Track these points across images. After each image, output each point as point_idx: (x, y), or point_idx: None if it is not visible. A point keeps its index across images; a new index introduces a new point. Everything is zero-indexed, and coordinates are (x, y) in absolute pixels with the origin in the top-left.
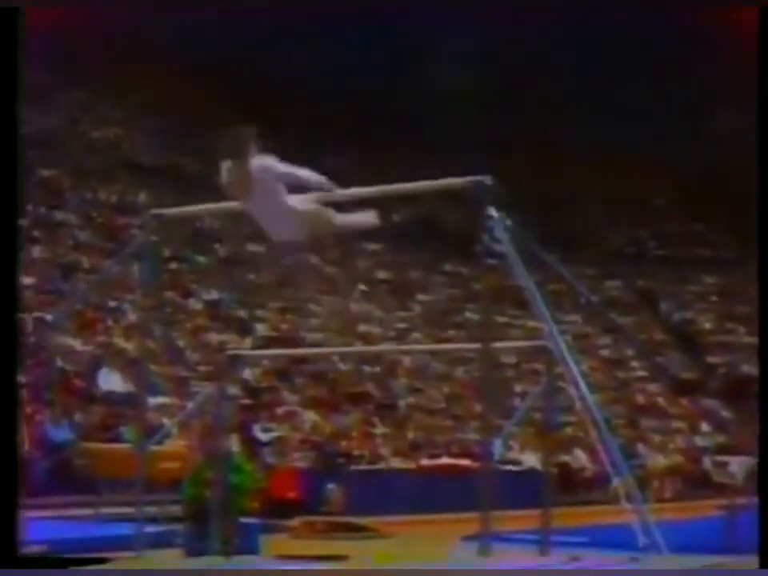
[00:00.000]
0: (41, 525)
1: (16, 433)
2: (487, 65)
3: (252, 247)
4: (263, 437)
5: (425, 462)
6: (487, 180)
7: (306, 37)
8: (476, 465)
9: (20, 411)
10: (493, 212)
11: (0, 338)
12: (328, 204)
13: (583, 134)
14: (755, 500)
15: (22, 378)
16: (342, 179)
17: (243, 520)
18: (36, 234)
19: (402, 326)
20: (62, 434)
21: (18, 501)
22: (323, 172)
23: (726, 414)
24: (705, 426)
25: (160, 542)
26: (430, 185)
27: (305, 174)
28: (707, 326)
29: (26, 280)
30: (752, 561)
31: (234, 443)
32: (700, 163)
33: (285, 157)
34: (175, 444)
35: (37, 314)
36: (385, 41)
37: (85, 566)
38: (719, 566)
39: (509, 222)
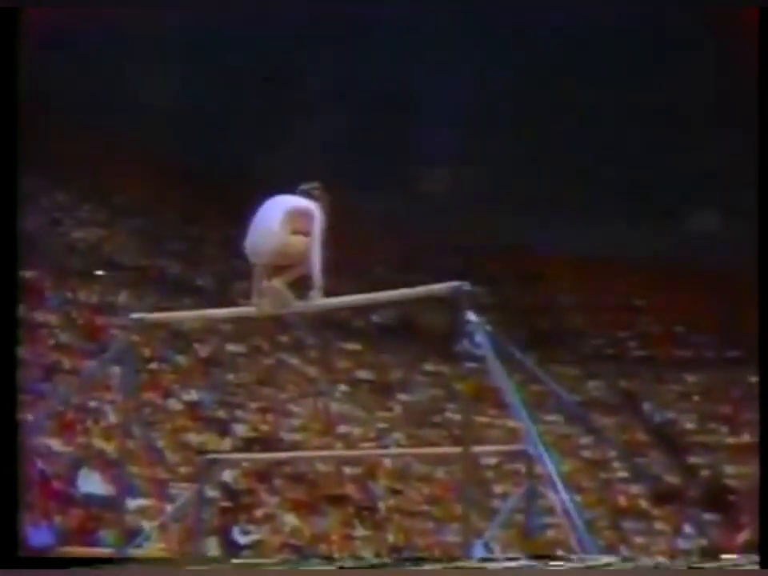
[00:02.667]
0: None
1: (16, 433)
2: (462, 168)
3: (232, 347)
4: (242, 540)
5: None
6: (466, 285)
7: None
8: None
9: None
10: (472, 317)
11: None
12: None
13: (562, 235)
14: None
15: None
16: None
17: None
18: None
19: (382, 426)
20: (41, 537)
21: (18, 501)
22: None
23: (708, 517)
24: (687, 528)
25: None
26: (410, 292)
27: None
28: (689, 426)
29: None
30: (752, 561)
31: (213, 546)
32: (680, 264)
33: None
34: (155, 548)
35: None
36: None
37: (85, 566)
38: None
39: (488, 327)
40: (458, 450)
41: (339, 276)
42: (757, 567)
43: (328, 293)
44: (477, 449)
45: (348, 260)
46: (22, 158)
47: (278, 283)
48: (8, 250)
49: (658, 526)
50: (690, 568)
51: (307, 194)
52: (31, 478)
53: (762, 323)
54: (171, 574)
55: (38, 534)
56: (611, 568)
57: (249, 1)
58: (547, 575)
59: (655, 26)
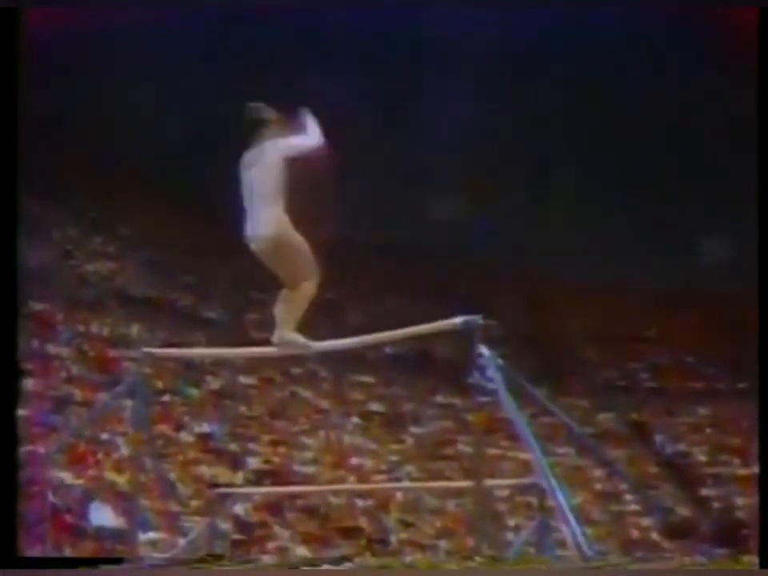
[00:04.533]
0: None
1: (16, 432)
2: (473, 194)
3: (244, 379)
4: None
5: None
6: (478, 319)
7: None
8: None
9: (19, 411)
10: (484, 350)
11: None
12: None
13: (573, 267)
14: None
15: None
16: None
17: None
18: (29, 366)
19: (394, 458)
20: None
21: (17, 502)
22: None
23: (720, 551)
24: (701, 559)
25: None
26: (421, 328)
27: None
28: (701, 458)
29: (20, 412)
30: (752, 561)
31: None
32: (691, 295)
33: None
34: None
35: (29, 447)
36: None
37: (85, 566)
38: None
39: (499, 360)
40: (469, 483)
41: (350, 306)
42: (757, 567)
43: (341, 325)
44: (489, 482)
45: (358, 289)
46: (31, 189)
47: (288, 334)
48: (10, 282)
49: (670, 560)
50: (691, 568)
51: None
52: (42, 511)
53: (762, 351)
54: (172, 574)
55: None
56: (611, 568)
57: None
58: (549, 575)
59: (654, 26)
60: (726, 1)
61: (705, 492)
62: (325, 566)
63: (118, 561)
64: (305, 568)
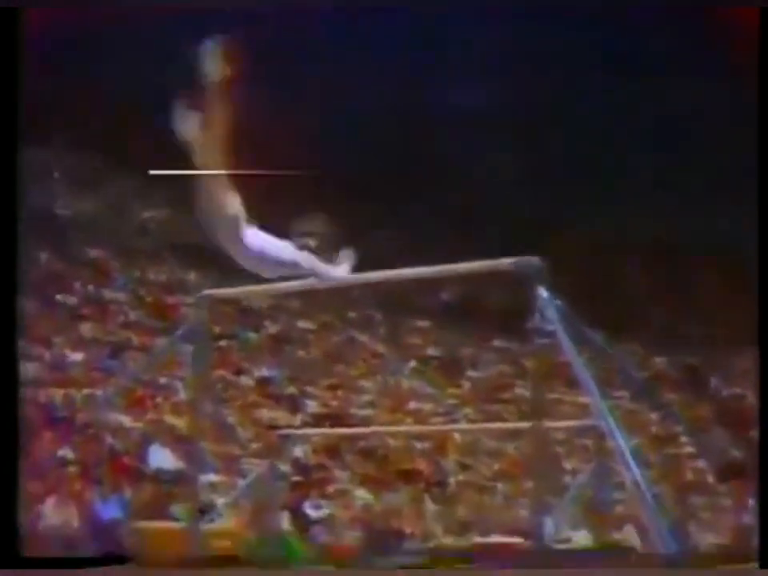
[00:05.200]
0: None
1: (16, 433)
2: (535, 142)
3: (302, 324)
4: (314, 514)
5: (477, 539)
6: (535, 260)
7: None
8: (527, 543)
9: (19, 410)
10: (542, 292)
11: None
12: None
13: (630, 217)
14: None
15: (70, 454)
16: (390, 257)
17: None
18: (85, 311)
19: (452, 402)
20: (111, 511)
21: (18, 501)
22: (371, 247)
23: None
24: (753, 504)
25: None
26: (477, 266)
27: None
28: (755, 401)
29: (75, 357)
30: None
31: (285, 521)
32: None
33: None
34: (227, 522)
35: (86, 391)
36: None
37: (86, 566)
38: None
39: (558, 302)
40: (528, 424)
41: (405, 249)
42: (757, 567)
43: (391, 266)
44: (547, 424)
45: (412, 230)
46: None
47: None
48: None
49: (724, 501)
50: (690, 568)
51: None
52: (100, 454)
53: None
54: (172, 574)
55: (107, 509)
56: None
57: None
58: (551, 575)
59: (654, 26)
60: (725, 1)
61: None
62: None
63: (120, 561)
64: (305, 568)
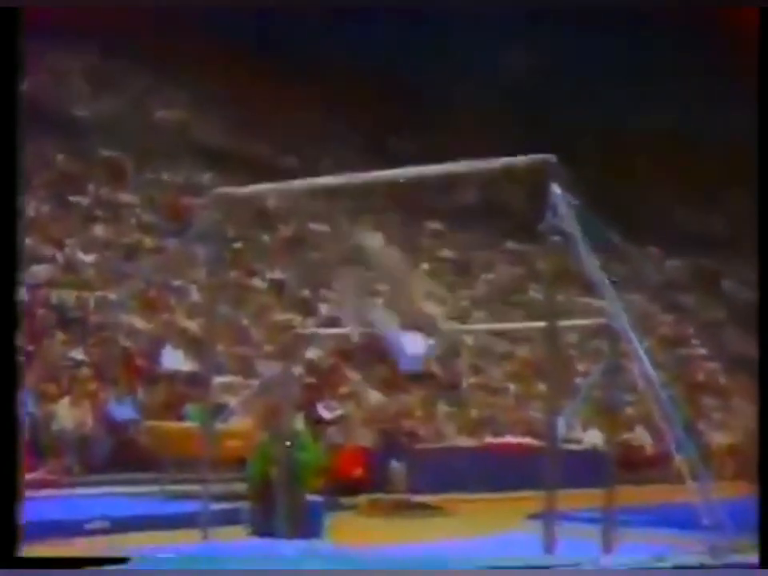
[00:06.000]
0: (104, 502)
1: (16, 434)
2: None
3: (315, 226)
4: (327, 415)
5: (489, 440)
6: (551, 158)
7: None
8: (539, 444)
9: (20, 410)
10: (557, 190)
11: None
12: None
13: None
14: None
15: (84, 356)
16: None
17: (309, 498)
18: (98, 213)
19: (465, 304)
20: (125, 412)
21: (17, 500)
22: (389, 153)
23: None
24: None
25: (225, 519)
26: (492, 163)
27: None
28: None
29: (88, 258)
30: (751, 561)
31: (298, 422)
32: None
33: (353, 138)
34: (240, 422)
35: (99, 293)
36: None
37: (86, 566)
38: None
39: (573, 201)
40: (540, 325)
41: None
42: (757, 567)
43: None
44: (560, 323)
45: (426, 131)
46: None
47: None
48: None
49: (736, 402)
50: (690, 568)
51: None
52: (113, 355)
53: (763, 353)
54: (172, 574)
55: (121, 409)
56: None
57: None
58: (551, 575)
59: (654, 26)
60: (725, 1)
61: None
62: None
63: (121, 561)
64: (307, 568)
